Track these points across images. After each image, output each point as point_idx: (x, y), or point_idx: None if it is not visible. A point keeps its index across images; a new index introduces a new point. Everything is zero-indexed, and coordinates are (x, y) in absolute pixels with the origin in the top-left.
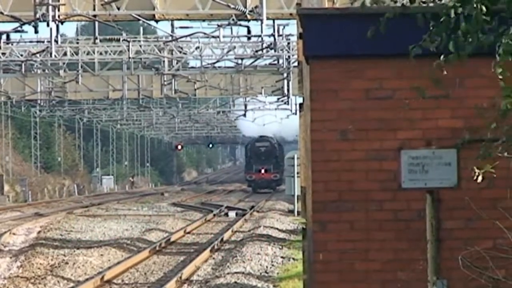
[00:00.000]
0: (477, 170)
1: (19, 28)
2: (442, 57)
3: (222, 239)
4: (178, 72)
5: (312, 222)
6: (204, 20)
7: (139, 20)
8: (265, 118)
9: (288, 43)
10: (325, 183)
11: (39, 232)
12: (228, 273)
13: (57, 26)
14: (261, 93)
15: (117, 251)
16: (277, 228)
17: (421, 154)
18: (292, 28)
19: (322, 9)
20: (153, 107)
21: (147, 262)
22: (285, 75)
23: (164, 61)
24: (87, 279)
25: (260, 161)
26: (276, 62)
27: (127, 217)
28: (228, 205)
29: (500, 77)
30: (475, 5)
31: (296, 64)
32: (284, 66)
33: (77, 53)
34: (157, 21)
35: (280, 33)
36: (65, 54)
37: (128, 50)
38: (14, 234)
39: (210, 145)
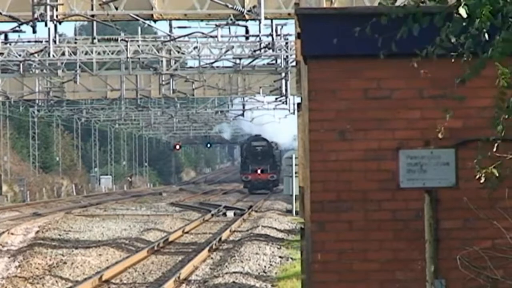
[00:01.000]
0: (480, 170)
1: (17, 28)
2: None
3: (220, 239)
4: (176, 72)
5: (310, 222)
6: (202, 20)
7: (137, 20)
8: (263, 118)
9: (286, 43)
10: (324, 183)
11: (37, 232)
12: (226, 273)
13: (55, 26)
14: (259, 93)
15: (116, 251)
16: (275, 228)
17: (419, 154)
18: (290, 28)
19: (320, 9)
20: (151, 107)
21: (145, 262)
22: (283, 75)
23: (162, 61)
24: (85, 279)
25: (256, 161)
26: (274, 62)
27: (125, 217)
28: (226, 205)
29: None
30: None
31: (294, 64)
32: (282, 66)
33: (75, 53)
34: (155, 21)
35: (278, 33)
36: (63, 54)
37: (126, 50)
38: (12, 234)
39: (208, 145)
